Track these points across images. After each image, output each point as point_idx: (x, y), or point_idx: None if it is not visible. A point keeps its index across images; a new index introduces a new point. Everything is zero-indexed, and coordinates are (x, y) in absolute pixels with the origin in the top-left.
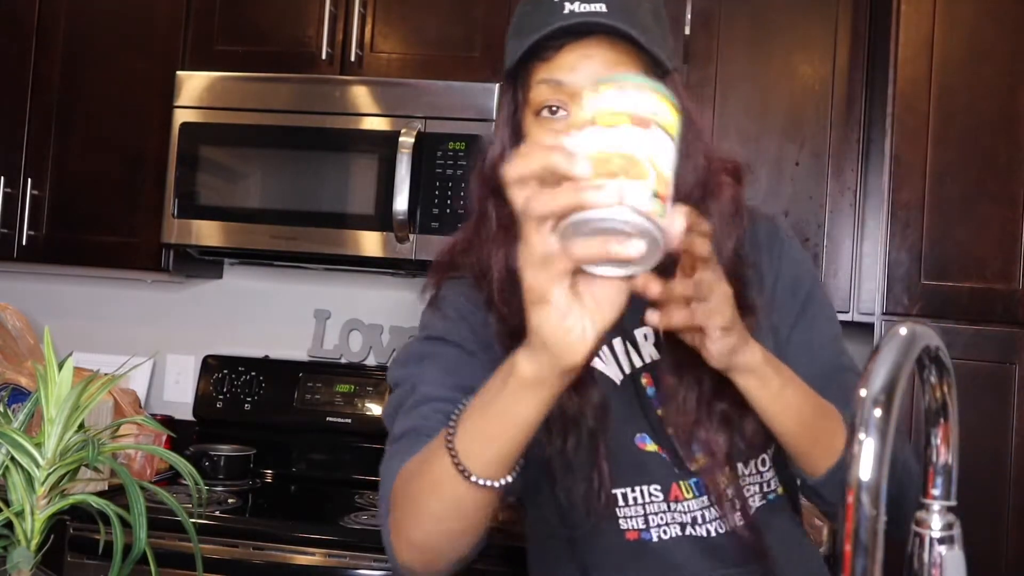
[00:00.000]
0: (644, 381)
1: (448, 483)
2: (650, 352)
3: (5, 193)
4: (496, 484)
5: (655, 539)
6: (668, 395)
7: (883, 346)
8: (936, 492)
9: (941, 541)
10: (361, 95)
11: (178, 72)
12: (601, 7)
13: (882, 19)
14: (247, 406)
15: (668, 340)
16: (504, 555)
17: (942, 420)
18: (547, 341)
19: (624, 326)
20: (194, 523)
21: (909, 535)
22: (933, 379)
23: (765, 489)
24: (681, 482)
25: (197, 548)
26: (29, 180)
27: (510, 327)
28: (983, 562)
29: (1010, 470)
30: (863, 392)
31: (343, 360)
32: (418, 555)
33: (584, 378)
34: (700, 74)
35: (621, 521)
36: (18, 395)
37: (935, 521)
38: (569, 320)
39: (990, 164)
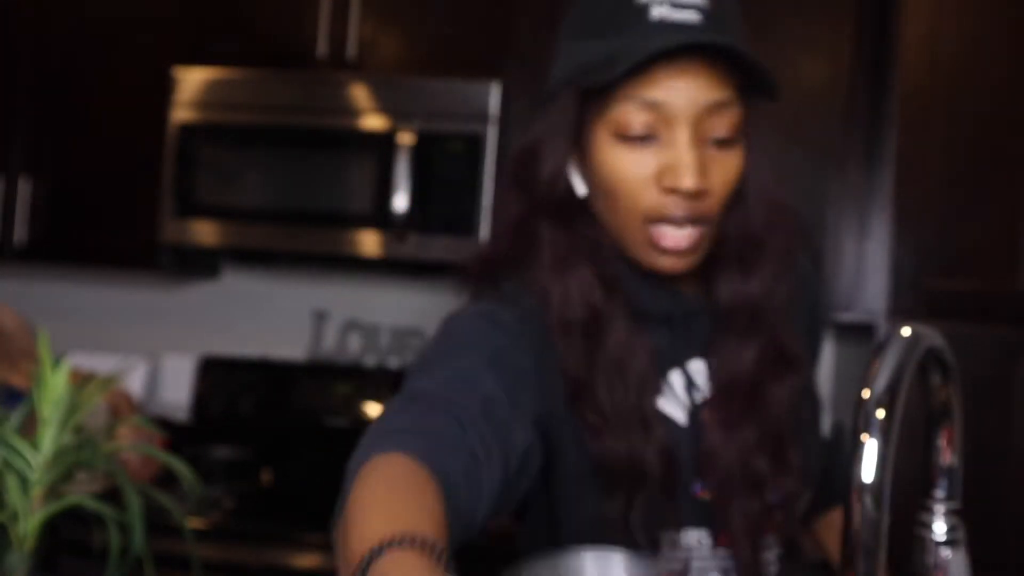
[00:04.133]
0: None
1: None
2: (705, 384)
3: (4, 192)
4: None
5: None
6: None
7: (886, 347)
8: (940, 494)
9: (945, 544)
10: (360, 93)
11: (176, 71)
12: (693, 17)
13: (885, 18)
14: (245, 407)
15: (720, 391)
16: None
17: (946, 422)
18: None
19: (678, 357)
20: (191, 525)
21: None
22: (936, 380)
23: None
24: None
25: (194, 550)
26: (26, 179)
27: (571, 380)
28: (987, 564)
29: (1014, 472)
30: (866, 393)
31: (342, 361)
32: None
33: (650, 421)
34: None
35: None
36: (13, 397)
37: (939, 524)
38: None
39: (995, 164)
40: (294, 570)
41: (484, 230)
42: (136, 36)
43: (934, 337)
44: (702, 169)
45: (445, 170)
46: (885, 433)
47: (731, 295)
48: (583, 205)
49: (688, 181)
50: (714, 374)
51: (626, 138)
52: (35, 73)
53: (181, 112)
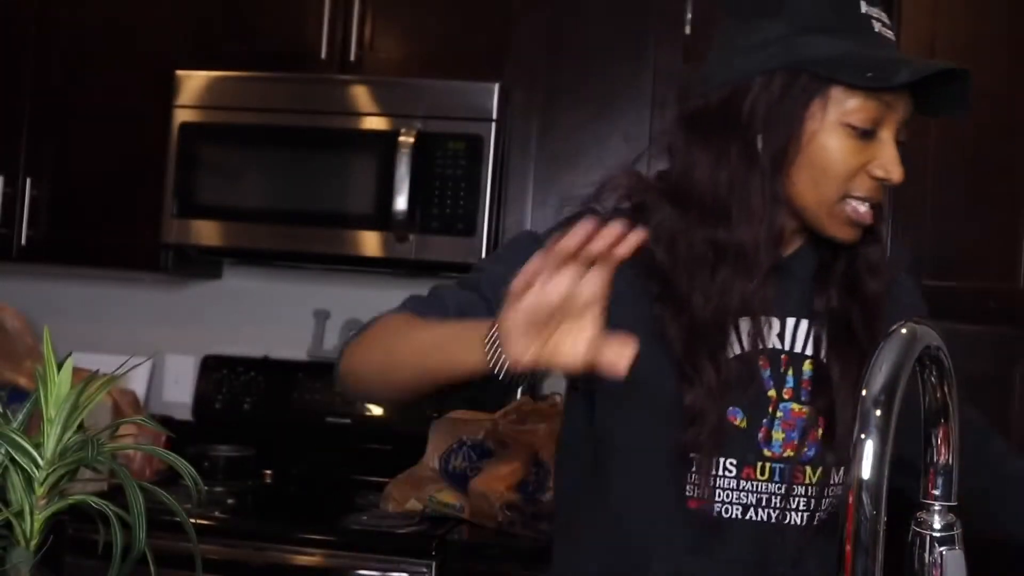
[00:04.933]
0: (760, 363)
1: (459, 343)
2: (773, 341)
3: (5, 193)
4: (497, 366)
5: (715, 512)
6: (822, 387)
7: (884, 346)
8: (937, 492)
9: (942, 541)
10: (361, 94)
11: (178, 72)
12: (891, 35)
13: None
14: (247, 406)
15: (835, 339)
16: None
17: (942, 420)
18: (501, 330)
19: (753, 310)
20: (193, 523)
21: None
22: (933, 379)
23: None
24: (760, 463)
25: (196, 549)
26: (29, 180)
27: (678, 303)
28: (987, 564)
29: None
30: (863, 392)
31: None
32: (353, 374)
33: (720, 349)
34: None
35: (688, 487)
36: (17, 395)
37: (936, 521)
38: (520, 345)
39: (992, 165)
40: (295, 568)
41: (484, 230)
42: (139, 38)
43: (932, 336)
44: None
45: (446, 170)
46: (883, 432)
47: (870, 252)
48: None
49: (897, 175)
50: (836, 320)
51: (853, 128)
52: (38, 74)
53: (183, 113)
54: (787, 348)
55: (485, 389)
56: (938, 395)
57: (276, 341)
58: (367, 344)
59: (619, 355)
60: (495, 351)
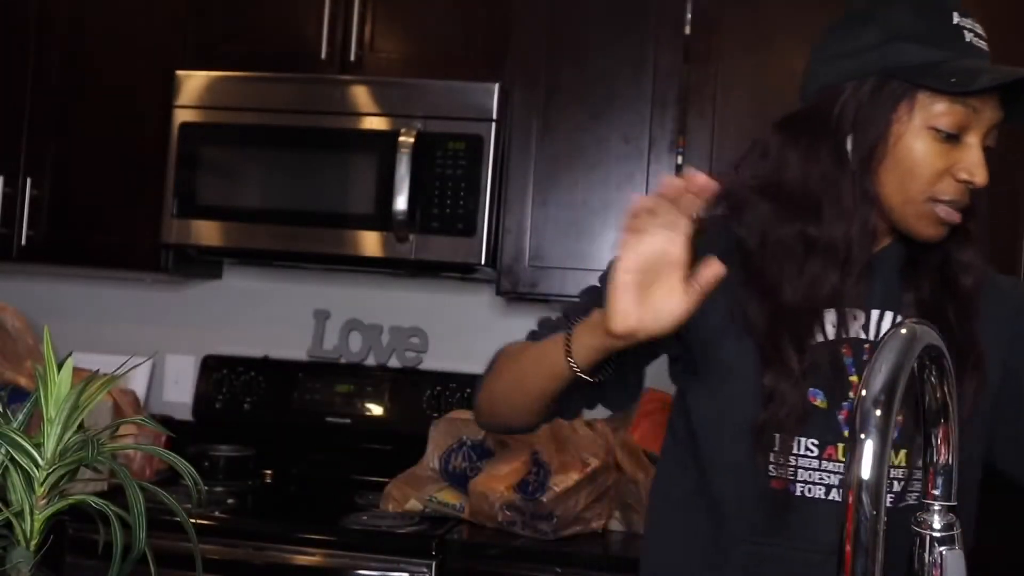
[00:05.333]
0: (843, 350)
1: (549, 360)
2: (857, 331)
3: (5, 193)
4: (584, 375)
5: (798, 493)
6: None
7: (884, 346)
8: (936, 492)
9: (942, 541)
10: (361, 95)
11: (178, 72)
12: (985, 47)
13: None
14: (247, 406)
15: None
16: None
17: (942, 420)
18: (607, 301)
19: (840, 303)
20: (194, 523)
21: None
22: (933, 379)
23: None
24: (840, 444)
25: (196, 548)
26: (29, 180)
27: (765, 288)
28: (986, 564)
29: None
30: (863, 392)
31: (343, 360)
32: (486, 404)
33: (806, 337)
34: (700, 74)
35: (771, 467)
36: (17, 395)
37: (936, 521)
38: (624, 302)
39: (990, 163)
40: (295, 568)
41: (484, 230)
42: (139, 39)
43: (931, 336)
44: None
45: (446, 170)
46: (882, 432)
47: (966, 256)
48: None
49: (980, 178)
50: (926, 311)
51: (939, 132)
52: (38, 74)
53: (183, 113)
54: (871, 338)
55: (587, 391)
56: (938, 395)
57: (276, 341)
58: (490, 377)
59: (709, 267)
60: (568, 353)
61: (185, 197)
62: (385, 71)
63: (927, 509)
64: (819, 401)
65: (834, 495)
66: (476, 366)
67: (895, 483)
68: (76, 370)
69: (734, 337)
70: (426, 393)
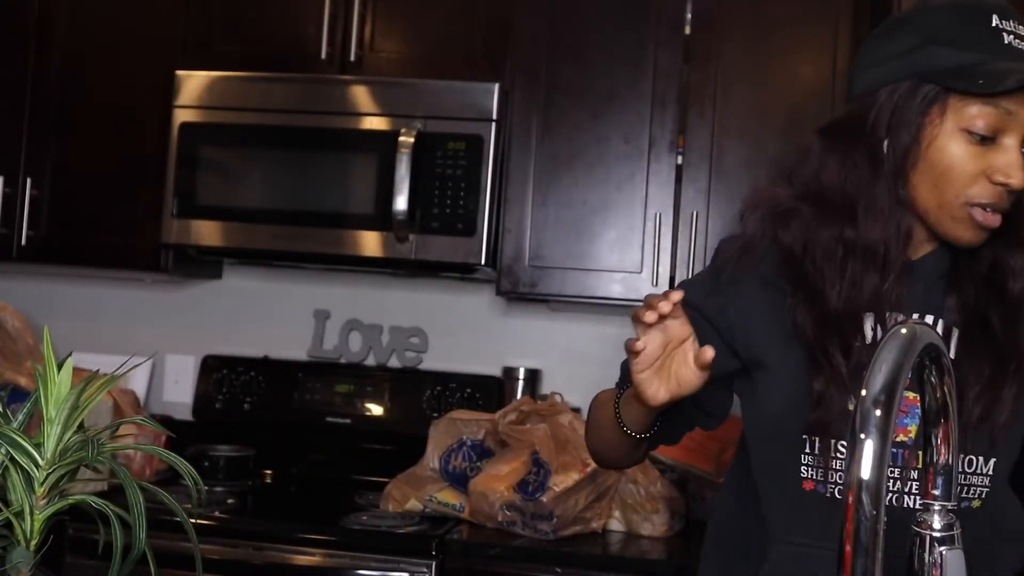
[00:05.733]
0: None
1: (611, 423)
2: None
3: (5, 193)
4: (635, 434)
5: (828, 494)
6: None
7: (884, 346)
8: (936, 492)
9: (942, 541)
10: (361, 95)
11: (178, 72)
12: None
13: (882, 19)
14: (247, 406)
15: (968, 335)
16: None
17: (942, 420)
18: (635, 384)
19: (881, 305)
20: (194, 523)
21: None
22: (933, 379)
23: (966, 493)
24: None
25: (197, 548)
26: (29, 180)
27: (811, 294)
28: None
29: (1013, 471)
30: (863, 392)
31: (343, 360)
32: (593, 452)
33: (852, 343)
34: (700, 74)
35: (803, 469)
36: (17, 395)
37: (935, 521)
38: (653, 387)
39: None
40: (295, 568)
41: (484, 230)
42: (139, 39)
43: (931, 336)
44: None
45: (446, 170)
46: (882, 432)
47: (1017, 260)
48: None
49: (1018, 180)
50: (970, 316)
51: (972, 134)
52: (38, 74)
53: (183, 113)
54: None
55: (677, 424)
56: (938, 395)
57: (276, 341)
58: (588, 428)
59: (701, 353)
60: (621, 418)
61: (185, 197)
62: (385, 71)
63: (927, 509)
64: (850, 404)
65: None
66: (476, 366)
67: (913, 484)
68: (76, 370)
69: (781, 346)
70: (426, 393)
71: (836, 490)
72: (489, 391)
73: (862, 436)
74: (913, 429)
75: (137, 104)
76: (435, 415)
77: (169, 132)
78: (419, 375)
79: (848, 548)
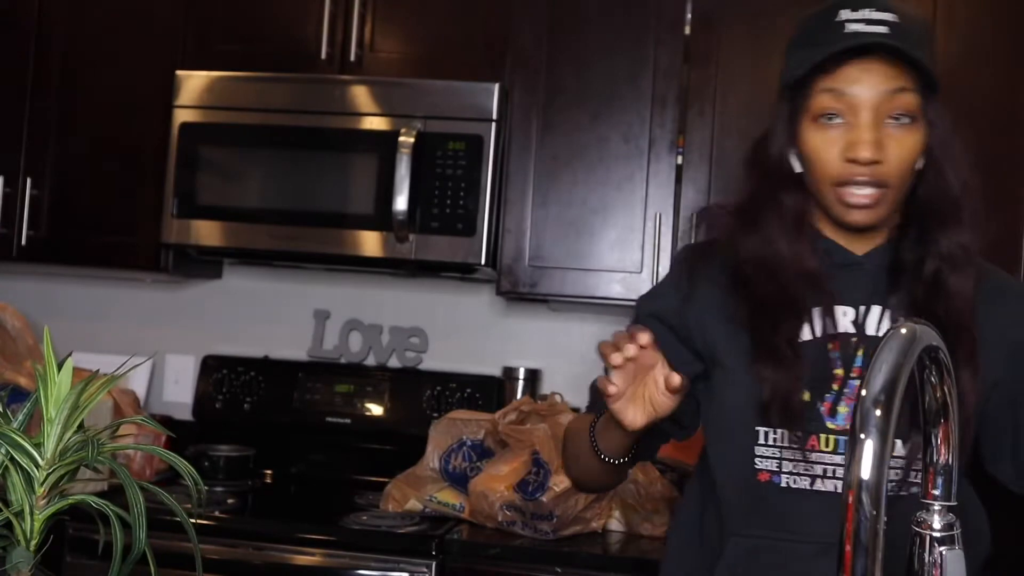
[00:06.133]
0: (831, 346)
1: (589, 452)
2: (846, 326)
3: (5, 193)
4: (613, 460)
5: (783, 484)
6: None
7: (884, 346)
8: (936, 492)
9: (942, 541)
10: (361, 95)
11: (178, 72)
12: (882, 29)
13: None
14: (247, 406)
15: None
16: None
17: (942, 420)
18: (612, 413)
19: (828, 300)
20: (194, 523)
21: None
22: (933, 379)
23: (914, 478)
24: (823, 435)
25: (197, 548)
26: (29, 180)
27: (750, 308)
28: (985, 564)
29: None
30: (863, 392)
31: (343, 360)
32: (572, 478)
33: (795, 335)
34: (700, 74)
35: (757, 460)
36: (17, 395)
37: (935, 521)
38: (630, 414)
39: (990, 164)
40: (295, 568)
41: (484, 230)
42: (139, 39)
43: (931, 336)
44: (878, 144)
45: (446, 170)
46: (882, 432)
47: (948, 245)
48: (799, 179)
49: (865, 153)
50: (915, 305)
51: (820, 121)
52: (38, 74)
53: (183, 113)
54: (861, 333)
55: (653, 439)
56: (938, 395)
57: (276, 341)
58: (564, 457)
59: (670, 379)
60: (598, 447)
61: (185, 197)
62: (385, 71)
63: (927, 509)
64: (803, 395)
65: (819, 485)
66: (476, 366)
67: (891, 472)
68: (76, 370)
69: (734, 343)
70: (426, 393)
71: (791, 480)
72: (489, 391)
73: (862, 436)
74: None
75: (137, 104)
76: (435, 415)
77: (169, 132)
78: (419, 375)
79: (848, 548)
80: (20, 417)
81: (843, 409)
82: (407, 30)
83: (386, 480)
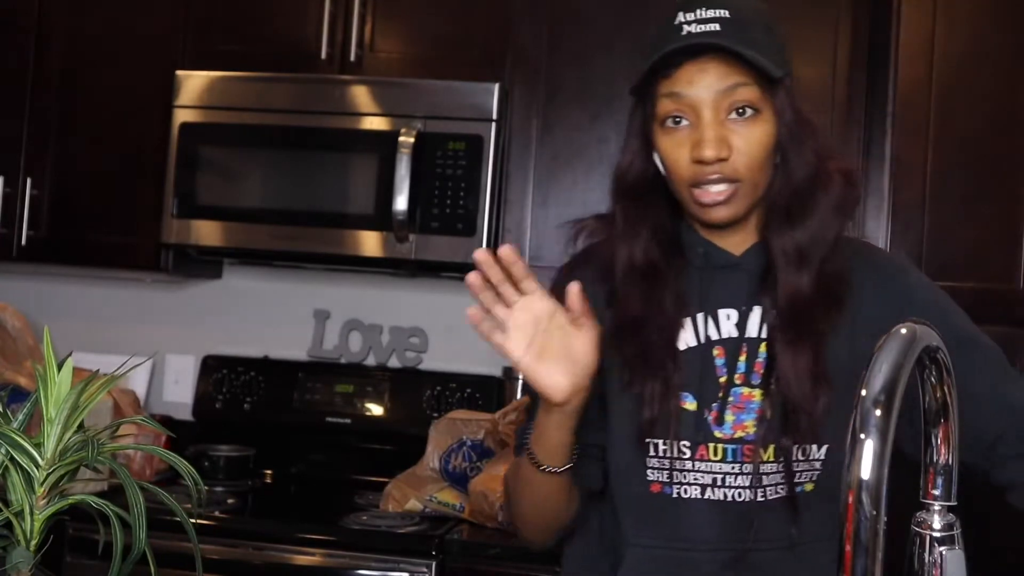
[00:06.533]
0: (716, 352)
1: (533, 478)
2: (729, 330)
3: (5, 193)
4: (558, 470)
5: (675, 495)
6: (779, 358)
7: (884, 346)
8: (936, 492)
9: (942, 541)
10: (361, 95)
11: (178, 72)
12: (715, 27)
13: (882, 19)
14: (247, 406)
15: (784, 318)
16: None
17: (942, 420)
18: (530, 381)
19: (710, 304)
20: (194, 523)
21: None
22: (933, 379)
23: (799, 479)
24: (711, 444)
25: (197, 548)
26: (29, 180)
27: (622, 315)
28: (985, 564)
29: None
30: (863, 392)
31: (343, 360)
32: (526, 527)
33: (671, 342)
34: None
35: (648, 472)
36: (17, 395)
37: (936, 521)
38: (544, 373)
39: (990, 164)
40: (295, 568)
41: (484, 230)
42: (139, 38)
43: (931, 336)
44: (721, 141)
45: (446, 170)
46: (883, 432)
47: (781, 242)
48: (664, 185)
49: (709, 152)
50: (778, 306)
51: (667, 125)
52: (38, 75)
53: (183, 113)
54: (743, 335)
55: (574, 479)
56: (938, 395)
57: (276, 341)
58: (511, 507)
59: (569, 294)
60: (538, 461)
61: (185, 197)
62: (385, 71)
63: (927, 509)
64: (688, 404)
65: (708, 494)
66: (476, 366)
67: (765, 477)
68: (76, 370)
69: (616, 360)
70: (426, 393)
71: (682, 490)
72: (489, 391)
73: (862, 436)
74: (750, 424)
75: (137, 104)
76: (435, 415)
77: (169, 132)
78: (419, 375)
79: (848, 548)
80: (20, 417)
81: (730, 417)
82: (407, 30)
83: (386, 480)
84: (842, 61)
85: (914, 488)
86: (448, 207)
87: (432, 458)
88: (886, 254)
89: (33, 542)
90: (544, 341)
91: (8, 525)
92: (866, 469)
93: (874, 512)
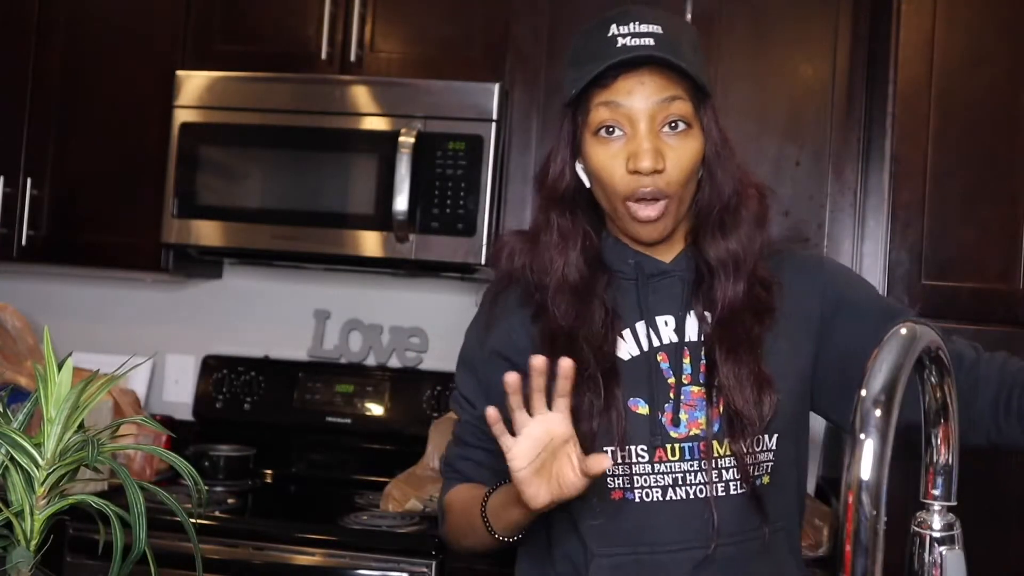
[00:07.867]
0: (659, 358)
1: (481, 530)
2: (669, 336)
3: (5, 193)
4: (509, 539)
5: (637, 499)
6: (720, 367)
7: (884, 346)
8: (936, 492)
9: (942, 541)
10: (361, 95)
11: (178, 72)
12: (650, 41)
13: (882, 19)
14: (247, 406)
15: (721, 326)
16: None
17: (942, 420)
18: (516, 483)
19: (649, 313)
20: (194, 523)
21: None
22: (933, 379)
23: (756, 472)
24: (668, 445)
25: (197, 548)
26: (29, 180)
27: (553, 330)
28: (983, 563)
29: (1011, 470)
30: (863, 392)
31: (343, 360)
32: (464, 550)
33: (608, 353)
34: None
35: (608, 480)
36: (17, 395)
37: (936, 521)
38: (534, 488)
39: (990, 164)
40: (295, 568)
41: (484, 230)
42: (139, 38)
43: (931, 336)
44: (657, 153)
45: (446, 170)
46: (882, 432)
47: (716, 252)
48: (589, 195)
49: (646, 163)
50: (714, 312)
51: (600, 135)
52: (38, 74)
53: (183, 113)
54: (684, 340)
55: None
56: (938, 395)
57: (276, 341)
58: (446, 529)
59: (598, 461)
60: (491, 527)
61: (185, 197)
62: (385, 71)
63: (927, 509)
64: (641, 408)
65: (671, 495)
66: None
67: (726, 472)
68: (76, 370)
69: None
70: (426, 393)
71: (643, 493)
72: None
73: (862, 436)
74: (703, 420)
75: (137, 104)
76: (435, 415)
77: (169, 132)
78: (419, 375)
79: (848, 548)
80: (20, 417)
81: (684, 416)
82: (407, 30)
83: (386, 480)
84: (842, 61)
85: (914, 488)
86: (448, 207)
87: (432, 458)
88: (807, 252)
89: (33, 542)
90: (546, 459)
91: (8, 525)
92: (866, 469)
93: (874, 512)
